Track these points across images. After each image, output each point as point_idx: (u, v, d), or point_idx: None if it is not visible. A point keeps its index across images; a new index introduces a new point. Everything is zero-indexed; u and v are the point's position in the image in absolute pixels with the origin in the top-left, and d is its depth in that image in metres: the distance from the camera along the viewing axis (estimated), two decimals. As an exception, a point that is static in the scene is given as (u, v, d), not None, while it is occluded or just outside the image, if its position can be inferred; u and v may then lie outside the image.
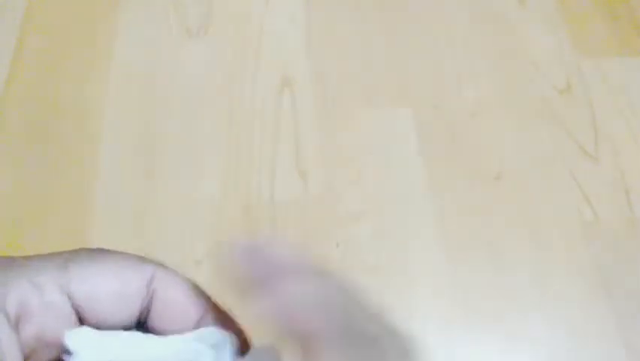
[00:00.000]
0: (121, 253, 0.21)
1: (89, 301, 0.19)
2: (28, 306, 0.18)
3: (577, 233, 0.54)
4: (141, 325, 0.21)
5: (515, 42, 0.65)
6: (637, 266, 0.52)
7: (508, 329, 0.49)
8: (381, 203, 0.55)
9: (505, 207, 0.55)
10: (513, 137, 0.59)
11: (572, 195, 0.56)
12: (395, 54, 0.64)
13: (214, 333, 0.20)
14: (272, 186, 0.56)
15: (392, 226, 0.54)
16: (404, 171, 0.57)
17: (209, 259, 0.52)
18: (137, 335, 0.20)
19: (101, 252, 0.20)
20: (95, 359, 0.19)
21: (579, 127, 0.60)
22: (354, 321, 0.18)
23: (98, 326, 0.20)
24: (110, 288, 0.20)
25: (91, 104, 0.60)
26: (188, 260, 0.51)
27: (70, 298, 0.19)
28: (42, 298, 0.18)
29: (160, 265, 0.21)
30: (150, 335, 0.20)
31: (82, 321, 0.20)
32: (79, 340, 0.19)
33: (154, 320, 0.20)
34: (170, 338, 0.20)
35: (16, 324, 0.18)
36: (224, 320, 0.21)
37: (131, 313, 0.20)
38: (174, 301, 0.20)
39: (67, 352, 0.19)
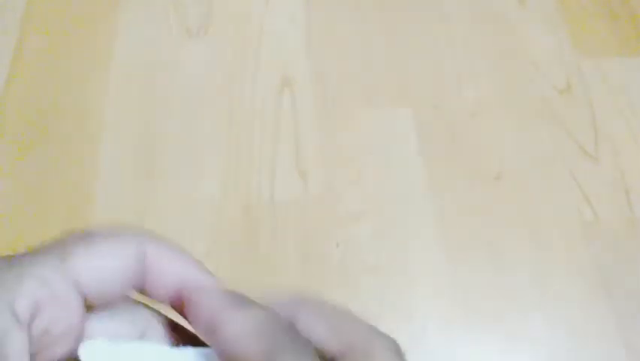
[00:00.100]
0: (108, 229, 0.21)
1: (93, 283, 0.20)
2: (38, 303, 0.18)
3: (577, 233, 0.54)
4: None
5: (515, 42, 0.65)
6: (637, 266, 0.52)
7: (508, 329, 0.49)
8: (381, 203, 0.55)
9: (505, 207, 0.55)
10: (513, 137, 0.59)
11: (572, 195, 0.56)
12: (395, 54, 0.64)
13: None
14: (272, 186, 0.56)
15: (392, 226, 0.54)
16: (404, 171, 0.57)
17: (209, 259, 0.52)
18: (151, 346, 0.20)
19: (92, 234, 0.21)
20: None
21: (579, 127, 0.60)
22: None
23: (104, 303, 0.20)
24: (113, 269, 0.20)
25: (91, 104, 0.60)
26: (188, 260, 0.51)
27: (75, 286, 0.19)
28: (49, 292, 0.18)
29: (149, 234, 0.21)
30: (164, 346, 0.21)
31: (89, 304, 0.20)
32: (93, 352, 0.19)
33: (145, 287, 0.21)
34: (184, 349, 0.20)
35: (29, 323, 0.18)
36: (204, 279, 0.22)
37: (129, 284, 0.21)
38: (160, 268, 0.21)
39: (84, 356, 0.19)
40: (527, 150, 0.58)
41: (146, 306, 0.22)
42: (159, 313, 0.22)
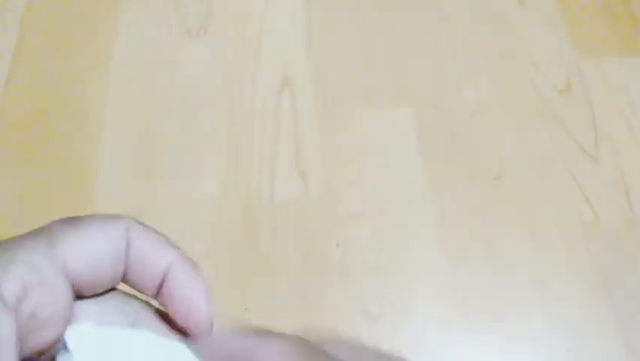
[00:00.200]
0: (95, 215, 0.21)
1: (81, 268, 0.20)
2: (26, 287, 0.18)
3: (577, 233, 0.54)
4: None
5: (515, 42, 0.65)
6: (637, 266, 0.52)
7: (508, 329, 0.49)
8: (381, 203, 0.55)
9: (505, 207, 0.55)
10: (513, 137, 0.59)
11: (572, 195, 0.56)
12: (395, 54, 0.64)
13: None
14: (272, 186, 0.56)
15: (392, 225, 0.54)
16: (404, 171, 0.57)
17: (209, 259, 0.52)
18: (140, 333, 0.20)
19: (80, 219, 0.21)
20: (92, 353, 0.19)
21: (579, 127, 0.60)
22: None
23: (92, 288, 0.20)
24: (97, 251, 0.20)
25: (91, 104, 0.60)
26: (188, 260, 0.51)
27: (63, 271, 0.19)
28: (37, 277, 0.18)
29: (135, 220, 0.21)
30: (152, 335, 0.21)
31: (77, 289, 0.20)
32: (79, 338, 0.19)
33: (128, 272, 0.21)
34: (173, 340, 0.20)
35: (16, 306, 0.18)
36: (190, 273, 0.21)
37: (118, 270, 0.21)
38: (145, 253, 0.21)
39: (66, 348, 0.19)
40: (527, 150, 0.58)
41: (136, 297, 0.22)
42: (149, 305, 0.22)
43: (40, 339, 0.19)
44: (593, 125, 0.60)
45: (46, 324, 0.19)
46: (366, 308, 0.50)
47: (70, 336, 0.19)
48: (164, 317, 0.22)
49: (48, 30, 0.65)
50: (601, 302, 0.50)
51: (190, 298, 0.21)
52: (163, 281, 0.21)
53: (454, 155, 0.58)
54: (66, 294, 0.19)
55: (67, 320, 0.20)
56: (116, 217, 0.21)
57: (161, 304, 0.21)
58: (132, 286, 0.21)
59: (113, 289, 0.21)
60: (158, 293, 0.21)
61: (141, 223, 0.21)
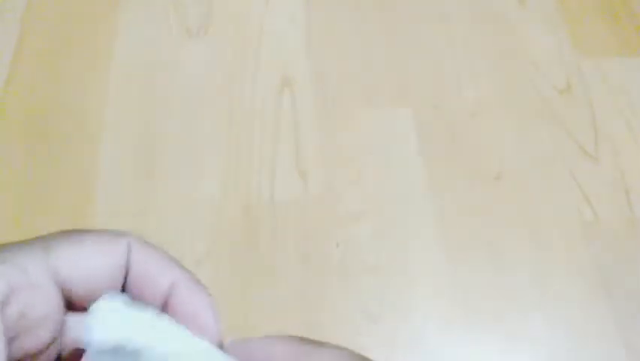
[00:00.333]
0: (97, 230, 0.21)
1: (75, 279, 0.20)
2: (15, 288, 0.18)
3: (577, 233, 0.54)
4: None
5: (515, 42, 0.66)
6: (637, 266, 0.52)
7: (508, 329, 0.49)
8: (381, 203, 0.55)
9: (505, 207, 0.55)
10: (513, 137, 0.59)
11: (572, 195, 0.56)
12: (395, 54, 0.64)
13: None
14: (272, 186, 0.56)
15: (392, 225, 0.54)
16: (404, 171, 0.57)
17: (209, 259, 0.52)
18: (165, 320, 0.20)
19: (79, 231, 0.21)
20: (113, 332, 0.19)
21: (579, 127, 0.60)
22: None
23: (85, 302, 0.20)
24: (95, 264, 0.20)
25: (91, 104, 0.60)
26: (188, 260, 0.51)
27: (55, 278, 0.19)
28: (27, 280, 0.18)
29: (136, 236, 0.21)
30: (177, 325, 0.20)
31: (68, 300, 0.20)
32: (107, 308, 0.19)
33: (130, 289, 0.21)
34: (196, 338, 0.20)
35: (2, 308, 0.18)
36: (194, 290, 0.21)
37: (115, 285, 0.20)
38: (147, 270, 0.21)
39: (93, 317, 0.19)
40: (527, 150, 0.58)
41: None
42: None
43: (32, 340, 0.19)
44: (593, 125, 0.60)
45: (37, 325, 0.19)
46: (366, 308, 0.50)
47: (98, 304, 0.19)
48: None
49: (48, 30, 0.65)
50: (601, 302, 0.50)
51: (197, 315, 0.20)
52: (166, 299, 0.21)
53: (454, 155, 0.58)
54: (56, 297, 0.19)
55: (59, 323, 0.20)
56: (117, 233, 0.21)
57: None
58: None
59: None
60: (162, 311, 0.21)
61: (143, 240, 0.21)
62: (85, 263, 0.20)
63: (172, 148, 0.58)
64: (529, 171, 0.57)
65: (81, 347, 0.19)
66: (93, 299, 0.20)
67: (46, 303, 0.19)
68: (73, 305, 0.20)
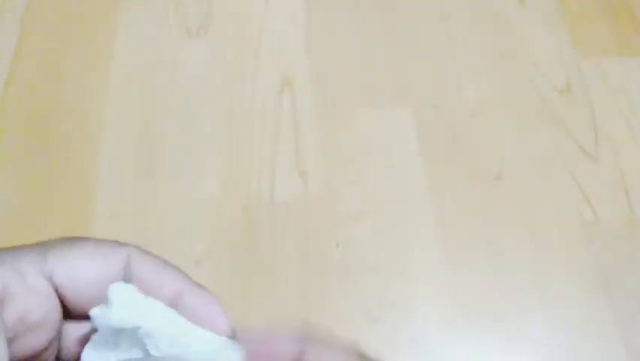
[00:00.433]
0: (98, 239, 0.21)
1: (70, 284, 0.20)
2: (10, 290, 0.18)
3: (577, 233, 0.54)
4: None
5: (515, 42, 0.65)
6: (637, 266, 0.52)
7: (508, 329, 0.49)
8: (381, 203, 0.55)
9: (505, 207, 0.55)
10: (513, 137, 0.59)
11: (572, 195, 0.56)
12: (395, 54, 0.64)
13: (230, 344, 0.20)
14: (272, 186, 0.56)
15: (392, 225, 0.54)
16: (404, 171, 0.57)
17: (209, 259, 0.52)
18: (175, 314, 0.20)
19: (80, 239, 0.21)
20: (125, 318, 0.19)
21: (579, 127, 0.60)
22: None
23: (80, 310, 0.20)
24: (91, 271, 0.20)
25: (91, 104, 0.60)
26: (188, 260, 0.51)
27: (51, 282, 0.19)
28: (24, 283, 0.19)
29: (135, 247, 0.21)
30: (186, 321, 0.20)
31: (64, 305, 0.20)
32: (122, 294, 0.19)
33: None
34: (207, 331, 0.20)
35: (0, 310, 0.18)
36: (202, 299, 0.21)
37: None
38: (148, 281, 0.21)
39: (107, 301, 0.19)
40: (527, 150, 0.58)
41: None
42: None
43: (30, 342, 0.19)
44: (593, 125, 0.60)
45: (35, 329, 0.19)
46: (366, 308, 0.50)
47: (114, 289, 0.19)
48: None
49: (48, 30, 0.65)
50: (601, 302, 0.50)
51: (209, 321, 0.20)
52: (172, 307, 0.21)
53: (454, 155, 0.58)
54: (53, 301, 0.19)
55: (57, 326, 0.20)
56: (117, 243, 0.21)
57: None
58: None
59: None
60: None
61: (144, 251, 0.21)
62: (82, 270, 0.20)
63: (172, 148, 0.58)
64: (529, 171, 0.57)
65: (77, 356, 0.20)
66: (88, 307, 0.20)
67: (43, 306, 0.19)
68: (67, 313, 0.20)
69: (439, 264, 0.52)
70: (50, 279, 0.19)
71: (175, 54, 0.64)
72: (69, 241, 0.21)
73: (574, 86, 0.62)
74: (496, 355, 0.49)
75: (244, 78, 0.62)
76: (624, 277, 0.52)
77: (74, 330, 0.21)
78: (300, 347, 0.19)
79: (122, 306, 0.19)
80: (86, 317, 0.20)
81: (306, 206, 0.55)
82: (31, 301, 0.19)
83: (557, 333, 0.49)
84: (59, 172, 0.56)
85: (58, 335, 0.20)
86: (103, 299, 0.20)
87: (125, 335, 0.20)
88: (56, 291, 0.19)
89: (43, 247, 0.20)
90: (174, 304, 0.20)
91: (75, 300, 0.20)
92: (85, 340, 0.20)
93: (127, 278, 0.20)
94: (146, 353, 0.19)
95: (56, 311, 0.20)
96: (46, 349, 0.20)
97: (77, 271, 0.20)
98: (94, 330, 0.20)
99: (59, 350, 0.21)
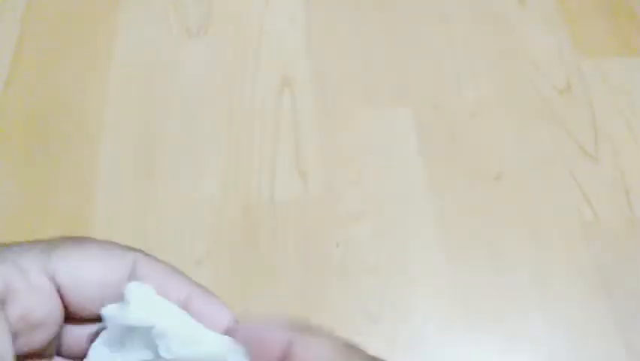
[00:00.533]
0: (104, 241, 0.21)
1: (72, 285, 0.20)
2: (12, 288, 0.18)
3: (577, 233, 0.54)
4: None
5: (515, 42, 0.65)
6: (637, 266, 0.52)
7: (508, 329, 0.49)
8: (381, 203, 0.55)
9: (505, 207, 0.55)
10: (513, 137, 0.59)
11: (572, 195, 0.56)
12: (395, 54, 0.64)
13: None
14: (272, 186, 0.56)
15: (392, 226, 0.54)
16: (404, 171, 0.57)
17: (209, 259, 0.52)
18: (187, 316, 0.20)
19: (85, 239, 0.21)
20: (142, 317, 0.19)
21: (579, 127, 0.60)
22: None
23: (80, 311, 0.20)
24: (94, 273, 0.20)
25: (91, 104, 0.60)
26: (188, 260, 0.51)
27: (54, 282, 0.19)
28: (26, 280, 0.19)
29: (141, 251, 0.21)
30: (198, 323, 0.21)
31: (66, 305, 0.20)
32: (139, 294, 0.20)
33: None
34: (217, 334, 0.21)
35: (1, 305, 0.18)
36: (210, 303, 0.21)
37: (115, 298, 0.20)
38: (155, 286, 0.21)
39: (123, 299, 0.20)
40: (527, 150, 0.58)
41: None
42: None
43: (31, 341, 0.19)
44: (593, 125, 0.60)
45: (37, 327, 0.19)
46: (366, 308, 0.50)
47: (131, 288, 0.19)
48: None
49: (48, 30, 0.65)
50: (601, 302, 0.50)
51: (219, 324, 0.20)
52: None
53: (454, 155, 0.58)
54: (55, 299, 0.19)
55: (59, 324, 0.20)
56: (124, 247, 0.21)
57: None
58: None
59: None
60: None
61: (150, 256, 0.21)
62: (85, 272, 0.20)
63: (172, 148, 0.58)
64: (529, 171, 0.57)
65: (80, 355, 0.20)
66: (88, 308, 0.20)
67: (46, 305, 0.19)
68: (67, 313, 0.20)
69: (439, 264, 0.52)
70: (53, 278, 0.19)
71: (175, 54, 0.64)
72: (73, 241, 0.20)
73: (574, 86, 0.62)
74: (496, 355, 0.49)
75: (244, 78, 0.62)
76: (624, 277, 0.52)
77: (74, 330, 0.21)
78: (288, 336, 0.19)
79: (140, 305, 0.19)
80: (85, 318, 0.20)
81: (306, 206, 0.55)
82: (34, 300, 0.19)
83: (557, 333, 0.49)
84: (59, 172, 0.56)
85: (59, 334, 0.20)
86: (104, 301, 0.20)
87: (137, 335, 0.20)
88: (58, 291, 0.19)
89: (47, 245, 0.20)
90: (182, 309, 0.21)
91: (76, 301, 0.20)
92: (87, 339, 0.20)
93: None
94: (157, 355, 0.20)
95: (58, 311, 0.20)
96: (45, 348, 0.20)
97: (80, 272, 0.20)
98: (100, 329, 0.20)
99: (59, 348, 0.21)
